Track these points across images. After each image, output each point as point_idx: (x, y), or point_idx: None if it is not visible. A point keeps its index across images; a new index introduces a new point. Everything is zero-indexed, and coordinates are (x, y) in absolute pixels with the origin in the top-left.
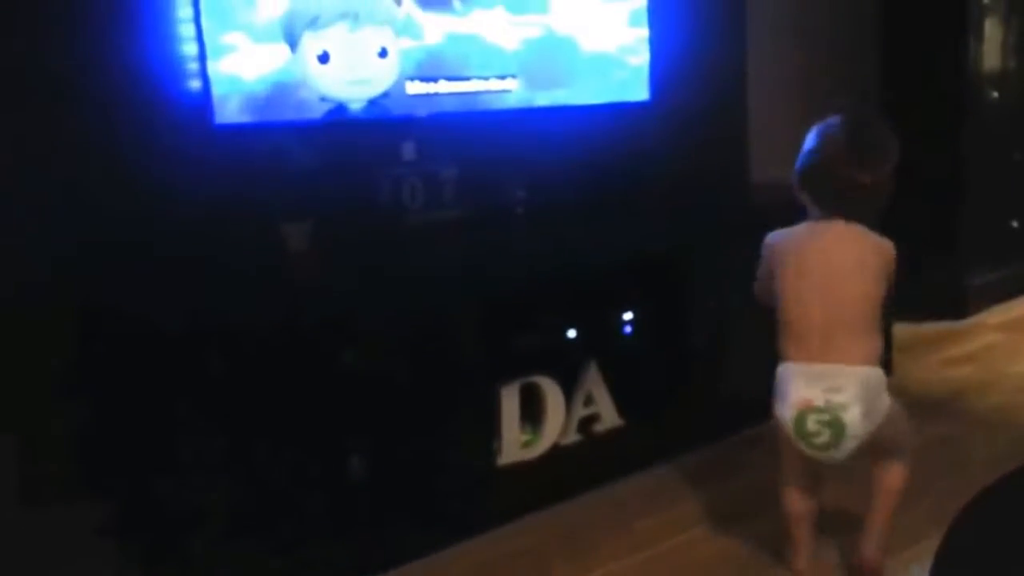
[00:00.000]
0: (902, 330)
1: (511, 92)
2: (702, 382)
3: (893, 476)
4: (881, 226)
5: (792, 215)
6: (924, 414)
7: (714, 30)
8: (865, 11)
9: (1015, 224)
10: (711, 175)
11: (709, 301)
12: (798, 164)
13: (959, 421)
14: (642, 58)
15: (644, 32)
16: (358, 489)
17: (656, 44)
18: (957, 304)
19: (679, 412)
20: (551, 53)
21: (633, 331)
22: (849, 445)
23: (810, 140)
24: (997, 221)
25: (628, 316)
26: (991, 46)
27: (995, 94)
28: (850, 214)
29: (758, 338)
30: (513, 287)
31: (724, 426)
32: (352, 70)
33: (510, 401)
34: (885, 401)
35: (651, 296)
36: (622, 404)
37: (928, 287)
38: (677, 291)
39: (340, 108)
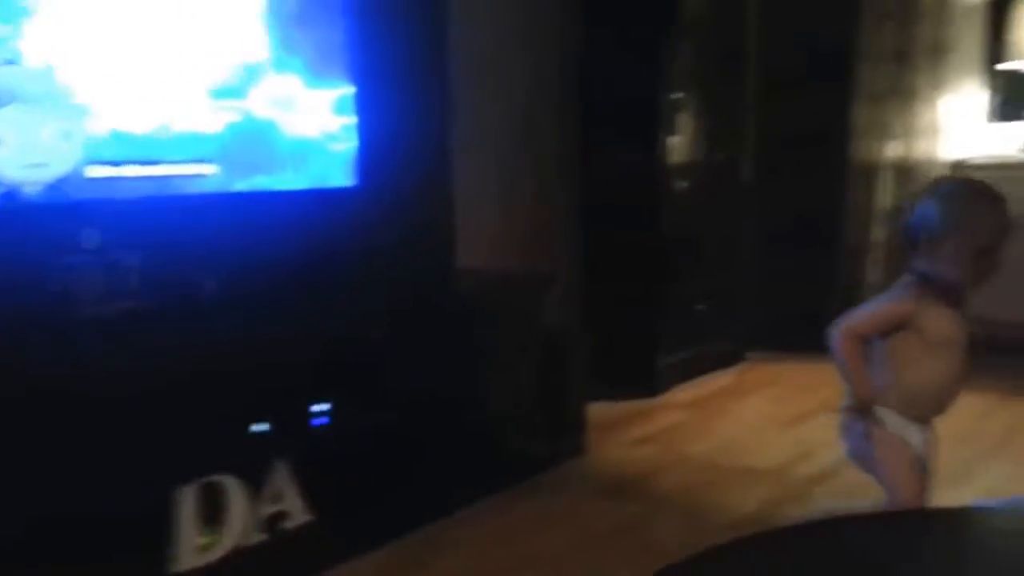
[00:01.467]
0: (598, 409)
1: (207, 177)
2: (399, 472)
3: None
4: (586, 307)
5: (506, 299)
6: (613, 494)
7: (422, 119)
8: (564, 105)
9: (701, 307)
10: (417, 261)
11: (411, 389)
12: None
13: (645, 501)
14: (348, 144)
15: (350, 119)
16: None
17: (364, 130)
18: (649, 383)
19: (374, 504)
20: (251, 138)
21: (328, 422)
22: (844, 446)
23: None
24: (685, 303)
25: (322, 407)
26: (684, 138)
27: (684, 184)
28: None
29: (460, 426)
30: (197, 381)
31: (420, 517)
32: (27, 153)
33: (187, 503)
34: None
35: (349, 385)
36: (313, 499)
37: (623, 366)
38: (377, 379)
39: (11, 193)
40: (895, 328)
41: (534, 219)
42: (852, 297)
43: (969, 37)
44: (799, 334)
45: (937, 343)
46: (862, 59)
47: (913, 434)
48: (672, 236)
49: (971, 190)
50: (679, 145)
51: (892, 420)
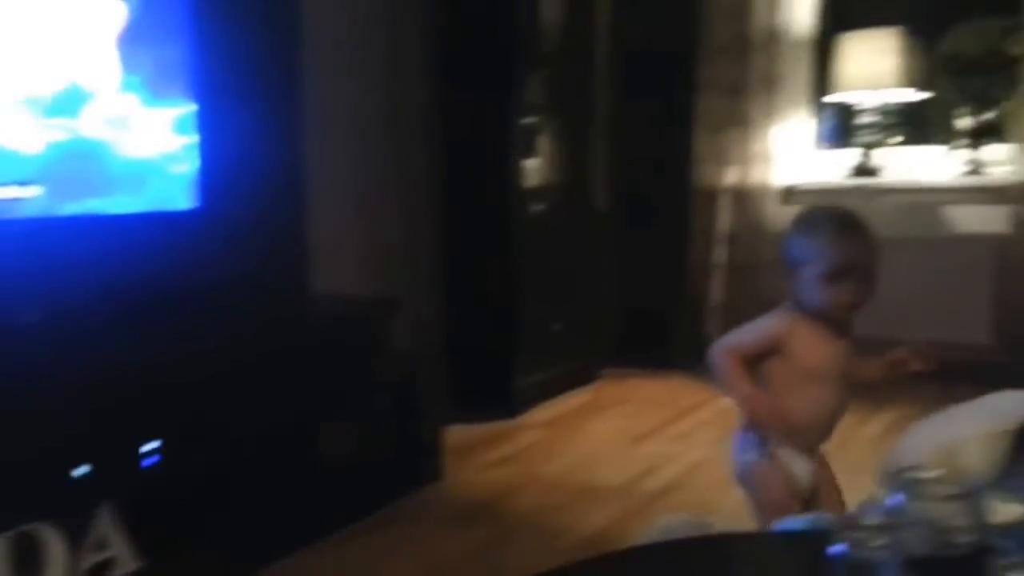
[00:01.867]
0: (457, 433)
1: (29, 200)
2: (243, 509)
3: None
4: (446, 330)
5: (354, 325)
6: (467, 519)
7: (272, 138)
8: (422, 128)
9: (557, 327)
10: (265, 286)
11: (255, 420)
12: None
13: (499, 523)
14: (189, 165)
15: (192, 138)
16: None
17: (208, 150)
18: (508, 404)
19: (214, 545)
20: (80, 159)
21: (160, 460)
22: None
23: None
24: (542, 324)
25: (153, 445)
26: (539, 163)
27: (540, 206)
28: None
29: (308, 457)
30: (10, 422)
31: (267, 554)
32: None
33: None
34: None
35: (184, 421)
36: (144, 544)
37: (483, 389)
38: (216, 412)
39: None
40: (770, 351)
41: (391, 243)
42: (697, 316)
43: (798, 70)
44: (650, 351)
45: (807, 372)
46: (701, 90)
47: (797, 463)
48: (528, 258)
49: (818, 219)
50: (534, 169)
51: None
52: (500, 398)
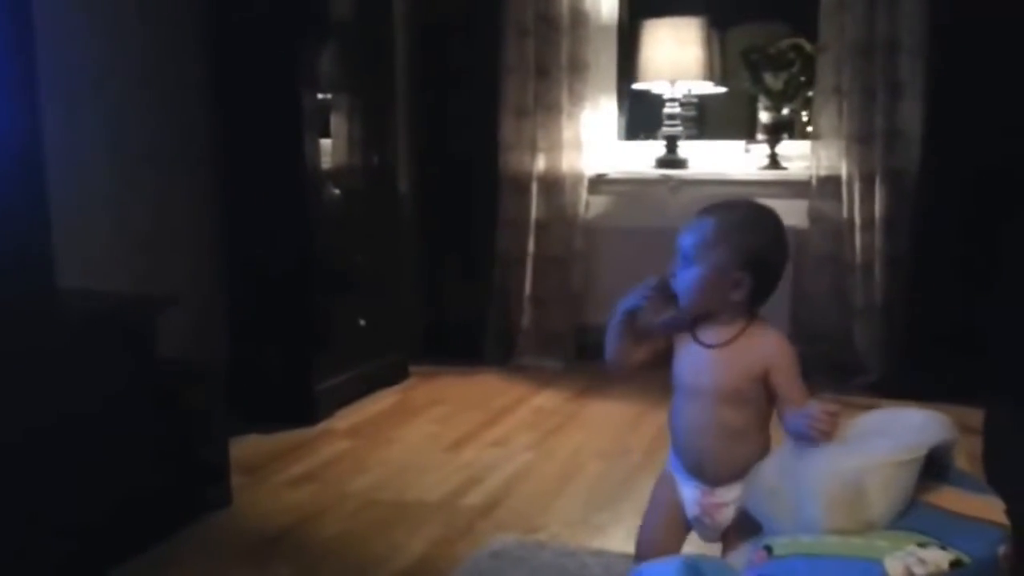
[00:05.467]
0: (249, 446)
1: None
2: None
3: None
4: (233, 333)
5: (114, 327)
6: (262, 554)
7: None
8: (196, 108)
9: (363, 322)
10: (5, 283)
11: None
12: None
13: (301, 557)
14: None
15: None
16: None
17: None
18: (308, 410)
19: None
20: None
21: None
22: None
23: (763, 223)
24: (344, 320)
25: None
26: (336, 143)
27: (336, 191)
28: None
29: (55, 486)
30: None
31: None
32: None
33: None
34: None
35: None
36: None
37: (278, 395)
38: None
39: None
40: (664, 356)
41: (164, 231)
42: (507, 310)
43: (605, 56)
44: (461, 344)
45: (676, 384)
46: (507, 73)
47: (683, 485)
48: (326, 247)
49: None
50: (330, 150)
51: (672, 465)
52: (297, 403)
